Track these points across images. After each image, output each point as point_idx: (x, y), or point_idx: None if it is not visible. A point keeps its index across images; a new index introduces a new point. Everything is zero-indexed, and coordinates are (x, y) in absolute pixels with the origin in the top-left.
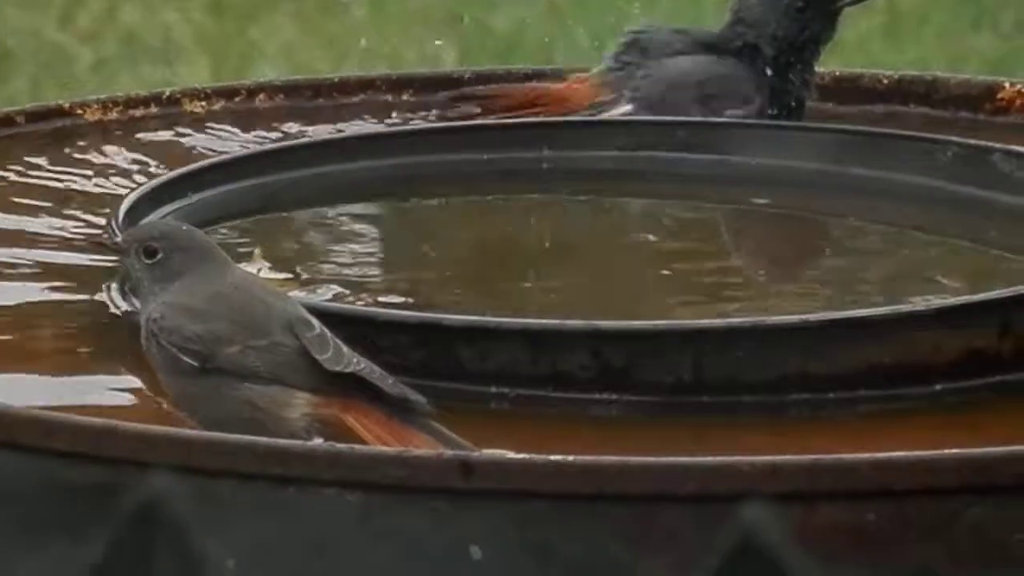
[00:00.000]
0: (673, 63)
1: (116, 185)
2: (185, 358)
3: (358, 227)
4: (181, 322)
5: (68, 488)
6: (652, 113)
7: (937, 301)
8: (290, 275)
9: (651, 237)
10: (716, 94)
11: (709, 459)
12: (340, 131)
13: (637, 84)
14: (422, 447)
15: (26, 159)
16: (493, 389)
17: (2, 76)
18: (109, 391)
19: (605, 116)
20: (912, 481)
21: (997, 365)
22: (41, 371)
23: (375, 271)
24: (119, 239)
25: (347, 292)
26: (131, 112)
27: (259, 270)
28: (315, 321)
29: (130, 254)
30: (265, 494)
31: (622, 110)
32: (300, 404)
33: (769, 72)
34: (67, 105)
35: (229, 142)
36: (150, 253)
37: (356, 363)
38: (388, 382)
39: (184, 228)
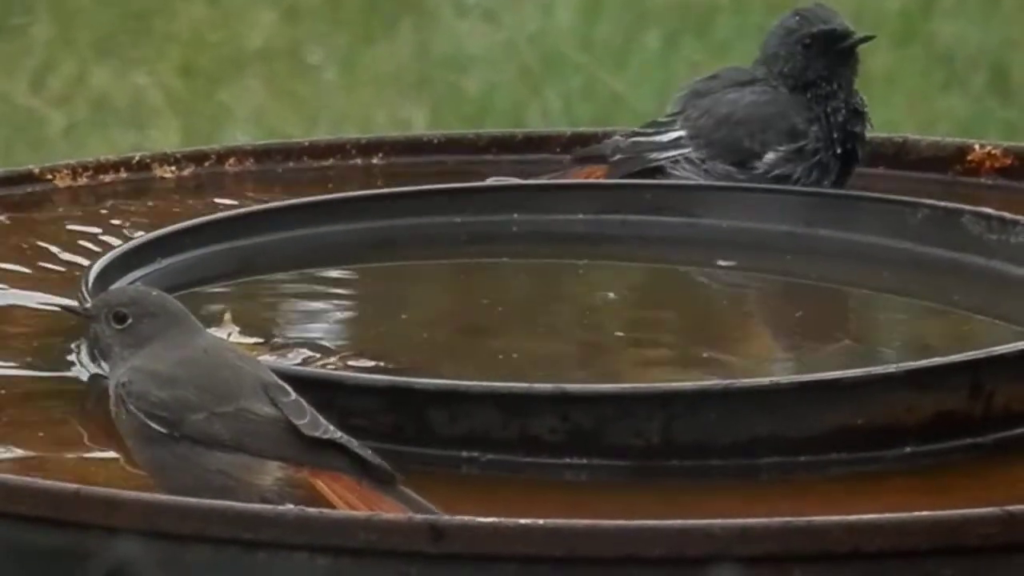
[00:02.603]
0: (724, 99)
1: (86, 250)
2: (153, 424)
3: (329, 290)
4: (148, 388)
5: (33, 554)
6: (708, 148)
7: (907, 363)
8: (260, 339)
9: (621, 299)
10: (759, 132)
11: (679, 522)
12: (310, 195)
13: (691, 116)
14: (391, 512)
15: None
16: (464, 454)
17: None
18: (76, 455)
19: (658, 137)
20: (884, 543)
21: (967, 427)
22: (5, 435)
23: (345, 334)
24: (89, 305)
25: (317, 356)
26: (101, 177)
27: (229, 334)
28: (289, 388)
29: (100, 319)
30: (235, 559)
31: (674, 135)
32: (270, 470)
33: (816, 105)
34: (37, 170)
35: (199, 206)
36: (120, 319)
37: (332, 431)
38: (366, 452)
39: (154, 294)
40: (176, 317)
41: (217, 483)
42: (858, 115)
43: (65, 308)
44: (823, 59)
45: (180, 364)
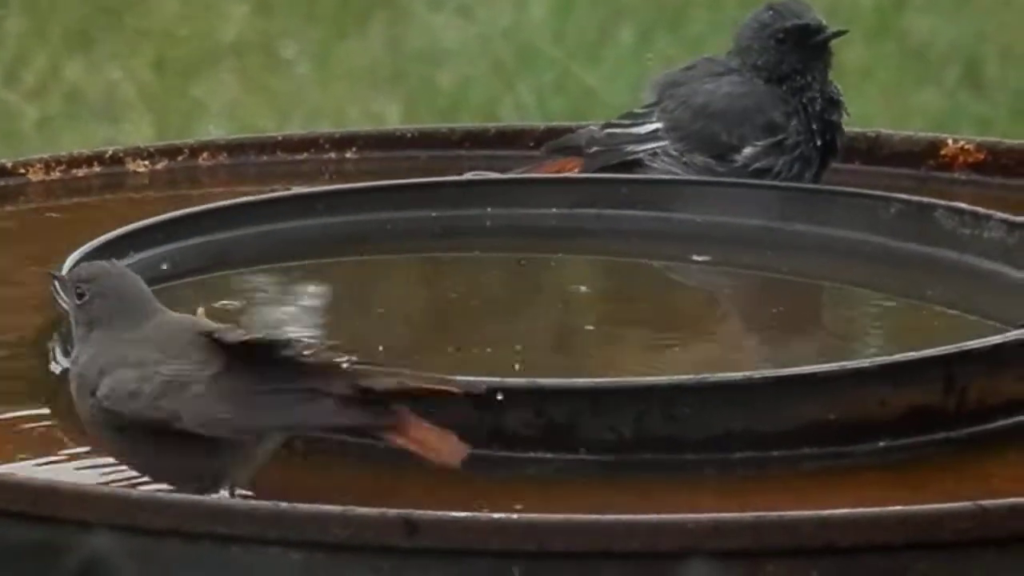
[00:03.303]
0: (700, 89)
1: (59, 245)
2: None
3: (302, 285)
4: (138, 385)
5: (7, 548)
6: (686, 141)
7: (881, 358)
8: None
9: (595, 293)
10: (735, 126)
11: (653, 517)
12: (284, 189)
13: (668, 107)
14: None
15: None
16: None
17: None
18: (50, 449)
19: (635, 129)
20: (857, 538)
21: (941, 421)
22: None
23: (319, 329)
24: (65, 274)
25: None
26: (74, 171)
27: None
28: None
29: (68, 292)
30: (209, 553)
31: (651, 127)
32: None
33: (792, 97)
34: (10, 164)
35: (172, 201)
36: (79, 294)
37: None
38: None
39: (115, 272)
40: (128, 300)
41: (191, 471)
42: (835, 104)
43: (50, 274)
44: (797, 53)
45: (147, 346)
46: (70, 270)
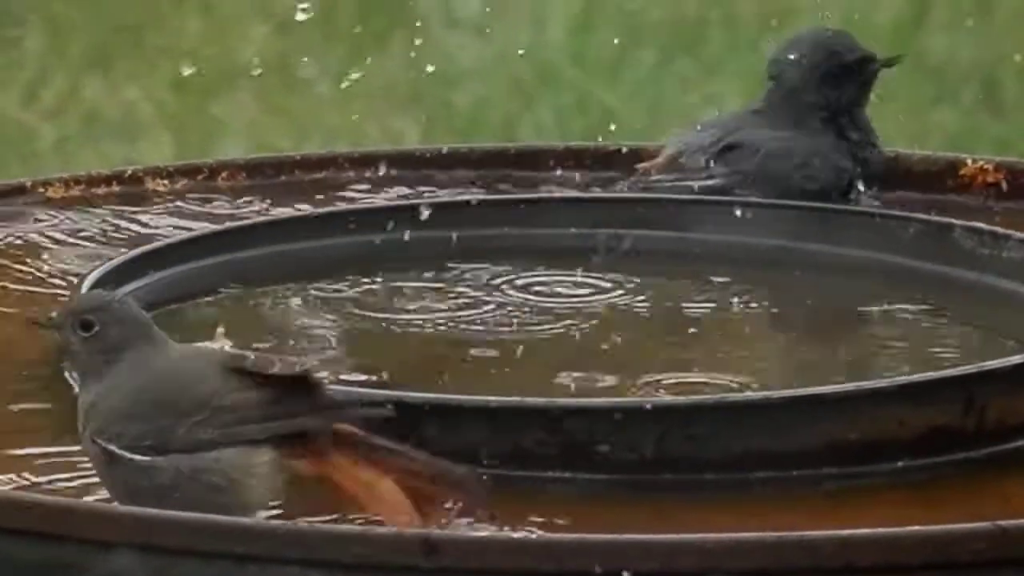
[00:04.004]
0: (771, 139)
1: (78, 264)
2: (137, 457)
3: (321, 304)
4: (124, 425)
5: (26, 568)
6: (751, 187)
7: (900, 378)
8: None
9: (613, 314)
10: (815, 173)
11: (672, 536)
12: (302, 209)
13: (730, 159)
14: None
15: None
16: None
17: None
18: (67, 470)
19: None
20: (876, 558)
21: (960, 441)
22: None
23: (337, 348)
24: (53, 314)
25: None
26: (93, 190)
27: (221, 348)
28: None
29: (66, 328)
30: (227, 573)
31: (707, 182)
32: (263, 458)
33: (852, 136)
34: (29, 183)
35: (192, 220)
36: (86, 326)
37: (303, 366)
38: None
39: (118, 299)
40: (142, 324)
41: (208, 497)
42: (871, 131)
43: (31, 321)
44: (852, 85)
45: (145, 385)
46: (59, 310)
